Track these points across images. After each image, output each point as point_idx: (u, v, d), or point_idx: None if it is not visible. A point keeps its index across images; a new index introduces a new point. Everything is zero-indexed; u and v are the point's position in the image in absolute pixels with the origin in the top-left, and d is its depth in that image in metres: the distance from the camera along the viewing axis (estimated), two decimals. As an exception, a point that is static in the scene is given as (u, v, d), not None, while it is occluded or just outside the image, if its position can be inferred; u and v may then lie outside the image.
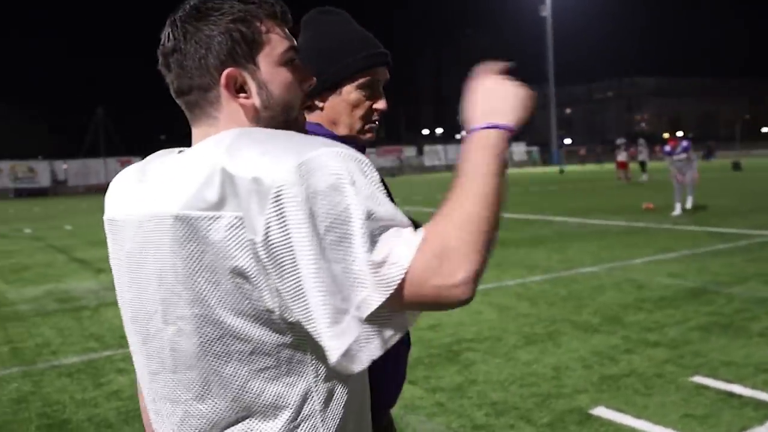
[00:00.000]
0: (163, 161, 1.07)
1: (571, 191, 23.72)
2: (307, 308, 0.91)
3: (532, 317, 5.93)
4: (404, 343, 1.58)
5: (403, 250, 0.91)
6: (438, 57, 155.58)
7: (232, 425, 1.01)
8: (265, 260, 0.91)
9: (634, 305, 6.19)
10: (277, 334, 0.97)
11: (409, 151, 62.00)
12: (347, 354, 0.91)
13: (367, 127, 1.52)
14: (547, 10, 63.72)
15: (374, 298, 0.90)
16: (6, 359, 5.44)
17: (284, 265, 0.91)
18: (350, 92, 1.48)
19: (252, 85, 1.09)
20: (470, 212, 0.95)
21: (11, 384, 4.78)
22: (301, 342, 0.98)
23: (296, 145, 0.95)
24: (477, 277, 0.93)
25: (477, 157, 1.00)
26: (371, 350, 0.93)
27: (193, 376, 1.01)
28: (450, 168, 60.13)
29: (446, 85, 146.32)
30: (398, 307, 0.94)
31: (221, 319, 0.97)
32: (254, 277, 0.93)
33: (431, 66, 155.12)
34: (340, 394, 1.04)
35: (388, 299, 0.91)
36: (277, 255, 0.91)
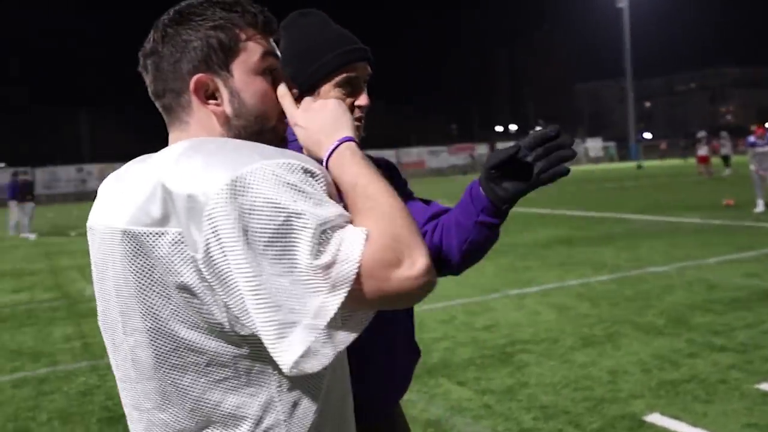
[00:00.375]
0: (131, 169, 1.08)
1: (647, 187, 22.86)
2: (253, 324, 0.90)
3: (593, 318, 5.75)
4: (387, 349, 1.54)
5: (351, 246, 0.89)
6: (513, 53, 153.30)
7: (200, 427, 1.01)
8: (209, 277, 0.91)
9: (703, 306, 5.90)
10: (233, 346, 0.96)
11: (482, 149, 61.35)
12: (300, 362, 0.90)
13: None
14: (623, 2, 61.66)
15: (331, 302, 0.88)
16: (78, 353, 5.71)
17: (227, 283, 0.90)
18: (328, 91, 1.46)
19: (224, 93, 1.09)
20: (393, 205, 0.96)
21: (79, 377, 5.02)
22: (260, 353, 0.96)
23: (235, 159, 0.93)
24: (431, 261, 0.92)
25: (357, 167, 1.03)
26: (326, 354, 0.92)
27: (153, 387, 1.02)
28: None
29: (522, 80, 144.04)
30: (360, 305, 0.92)
31: (174, 332, 0.97)
32: (200, 292, 0.93)
33: (506, 62, 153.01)
34: (309, 404, 1.02)
35: (347, 299, 0.89)
36: (220, 272, 0.90)
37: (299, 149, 1.19)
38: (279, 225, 0.88)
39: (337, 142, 1.07)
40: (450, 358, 4.86)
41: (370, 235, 0.91)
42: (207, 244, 0.89)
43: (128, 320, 1.01)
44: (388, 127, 65.27)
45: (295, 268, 0.88)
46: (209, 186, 0.90)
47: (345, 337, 0.93)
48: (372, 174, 1.01)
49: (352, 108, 1.48)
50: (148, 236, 0.95)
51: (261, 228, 0.88)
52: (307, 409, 1.02)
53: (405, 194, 1.68)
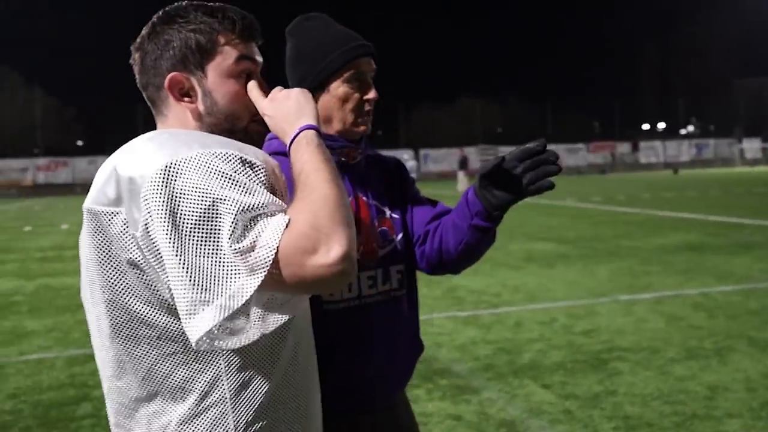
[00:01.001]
0: (112, 155, 1.19)
1: (806, 194, 20.79)
2: (173, 301, 0.99)
3: (704, 330, 5.38)
4: (389, 343, 1.58)
5: (271, 233, 0.95)
6: (664, 46, 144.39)
7: (145, 402, 1.10)
8: (148, 255, 1.01)
9: (837, 327, 5.34)
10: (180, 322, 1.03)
11: (624, 147, 58.48)
12: (214, 339, 0.97)
13: (359, 119, 1.54)
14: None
15: (249, 284, 0.94)
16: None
17: (161, 261, 0.99)
18: (337, 87, 1.52)
19: (198, 91, 1.18)
20: (325, 194, 1.00)
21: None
22: None
23: (176, 148, 1.02)
24: (351, 250, 0.96)
25: (308, 155, 1.09)
26: (248, 334, 0.99)
27: (111, 355, 1.11)
28: (668, 166, 55.74)
29: (673, 76, 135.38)
30: (280, 289, 0.98)
31: (128, 305, 1.06)
32: (147, 269, 1.03)
33: (656, 56, 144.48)
34: (258, 387, 1.08)
35: (265, 282, 0.94)
36: (156, 250, 0.99)
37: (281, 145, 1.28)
38: (205, 210, 0.96)
39: (297, 130, 1.13)
40: (540, 361, 4.76)
41: (291, 223, 0.96)
42: (145, 223, 0.99)
43: (93, 292, 1.12)
44: (524, 124, 63.87)
45: (218, 250, 0.95)
46: (147, 170, 0.99)
47: (273, 320, 0.99)
48: (319, 163, 1.06)
49: (361, 102, 1.53)
50: (104, 215, 1.05)
51: (188, 211, 0.96)
52: (256, 391, 1.09)
53: (412, 194, 1.72)
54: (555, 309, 6.31)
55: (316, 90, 1.52)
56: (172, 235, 0.96)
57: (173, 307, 1.03)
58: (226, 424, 1.07)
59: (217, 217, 0.96)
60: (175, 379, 1.07)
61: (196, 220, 0.96)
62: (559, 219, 14.80)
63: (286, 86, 1.32)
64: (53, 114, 54.84)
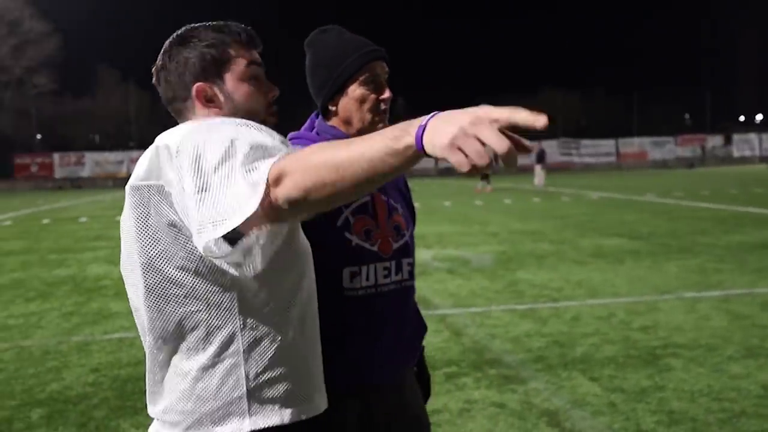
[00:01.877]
0: None
1: None
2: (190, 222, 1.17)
3: (769, 330, 5.24)
4: (396, 320, 1.73)
5: (265, 164, 1.10)
6: (764, 33, 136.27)
7: (172, 353, 1.32)
8: (179, 206, 1.21)
9: None
10: (207, 282, 1.26)
11: (715, 140, 55.81)
12: (218, 248, 1.12)
13: (377, 117, 1.70)
14: None
15: (251, 204, 1.07)
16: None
17: (187, 201, 1.16)
18: (355, 90, 1.68)
19: (220, 96, 1.41)
20: (332, 162, 1.03)
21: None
22: (227, 290, 1.26)
23: (206, 120, 1.27)
24: (296, 202, 1.07)
25: (378, 140, 1.03)
26: (251, 256, 1.16)
27: (145, 313, 1.32)
28: (764, 160, 52.83)
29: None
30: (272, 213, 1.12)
31: (160, 268, 1.27)
32: (182, 227, 1.23)
33: (754, 44, 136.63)
34: (267, 345, 1.31)
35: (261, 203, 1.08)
36: (186, 194, 1.16)
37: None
38: (225, 150, 1.13)
39: (418, 138, 1.02)
40: (592, 354, 4.79)
41: (282, 157, 1.11)
42: (180, 178, 1.17)
43: (131, 260, 1.33)
44: (609, 116, 61.97)
45: (234, 178, 1.10)
46: (180, 137, 1.21)
47: (270, 246, 1.17)
48: (367, 154, 1.02)
49: (377, 102, 1.69)
50: (145, 189, 1.26)
51: (211, 155, 1.14)
52: (266, 349, 1.31)
53: (413, 215, 1.90)
54: (615, 304, 6.27)
55: (335, 94, 1.69)
56: (198, 174, 1.14)
57: (200, 269, 1.25)
58: (238, 372, 1.29)
59: (234, 153, 1.13)
60: (198, 333, 1.28)
61: (218, 160, 1.12)
62: (636, 214, 14.44)
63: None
64: (146, 109, 57.53)
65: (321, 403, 1.44)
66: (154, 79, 1.45)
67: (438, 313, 6.10)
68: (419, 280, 7.66)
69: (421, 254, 9.69)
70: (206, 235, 1.10)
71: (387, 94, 1.70)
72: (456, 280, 7.73)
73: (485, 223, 13.74)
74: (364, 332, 1.68)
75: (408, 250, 1.77)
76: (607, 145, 52.67)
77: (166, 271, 1.27)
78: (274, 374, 1.32)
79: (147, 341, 1.36)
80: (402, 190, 1.88)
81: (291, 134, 1.79)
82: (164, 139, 1.25)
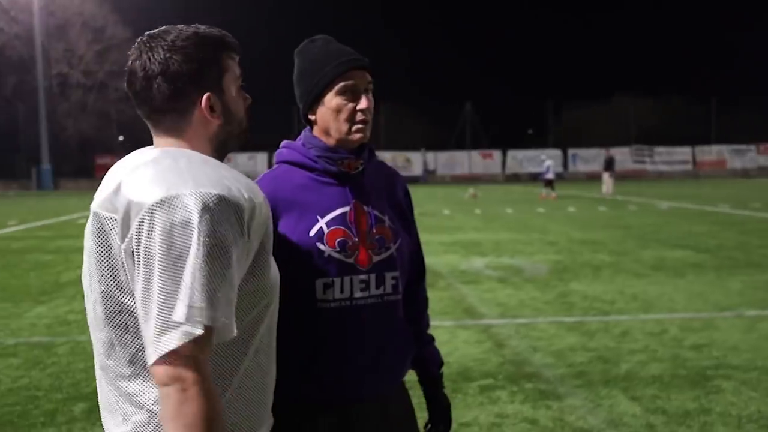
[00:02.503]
0: (121, 162, 1.37)
1: None
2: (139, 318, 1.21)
3: (834, 354, 4.91)
4: (377, 341, 1.69)
5: (176, 341, 1.14)
6: None
7: (128, 381, 1.28)
8: (130, 267, 1.21)
9: None
10: None
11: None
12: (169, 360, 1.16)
13: (353, 128, 1.65)
14: None
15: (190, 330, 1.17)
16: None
17: (135, 278, 1.20)
18: (331, 99, 1.64)
19: (219, 105, 1.36)
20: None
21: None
22: None
23: (174, 179, 1.20)
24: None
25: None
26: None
27: (104, 336, 1.29)
28: None
29: None
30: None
31: (119, 298, 1.25)
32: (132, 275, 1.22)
33: None
34: (223, 376, 1.27)
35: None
36: (133, 268, 1.19)
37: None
38: (178, 255, 1.15)
39: None
40: (637, 372, 4.60)
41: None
42: (136, 241, 1.18)
43: (92, 281, 1.30)
44: (685, 123, 59.73)
45: (178, 290, 1.15)
46: (143, 198, 1.18)
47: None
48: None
49: (353, 112, 1.65)
50: (107, 220, 1.24)
51: (162, 248, 1.15)
52: (220, 382, 1.27)
53: (409, 223, 1.85)
54: (669, 320, 6.01)
55: (314, 103, 1.67)
56: (149, 261, 1.15)
57: None
58: None
59: (181, 264, 1.15)
60: None
61: (165, 256, 1.15)
62: (705, 226, 13.83)
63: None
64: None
65: None
66: (127, 83, 1.35)
67: (482, 323, 5.99)
68: (469, 288, 7.60)
69: (475, 262, 9.59)
70: (150, 355, 1.16)
71: (364, 103, 1.64)
72: (506, 289, 7.59)
73: (545, 232, 13.45)
74: (338, 346, 1.64)
75: (393, 263, 1.71)
76: (683, 152, 50.70)
77: (125, 302, 1.25)
78: (228, 408, 1.29)
79: (102, 361, 1.33)
80: (399, 200, 1.83)
81: (283, 143, 1.78)
82: (128, 187, 1.22)
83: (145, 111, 1.37)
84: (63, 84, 55.34)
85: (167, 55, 1.31)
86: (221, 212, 1.19)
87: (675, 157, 50.74)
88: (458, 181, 46.56)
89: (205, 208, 1.17)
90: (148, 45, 1.33)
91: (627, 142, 51.08)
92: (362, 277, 1.65)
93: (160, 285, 1.15)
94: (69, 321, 6.46)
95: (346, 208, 1.66)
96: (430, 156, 51.40)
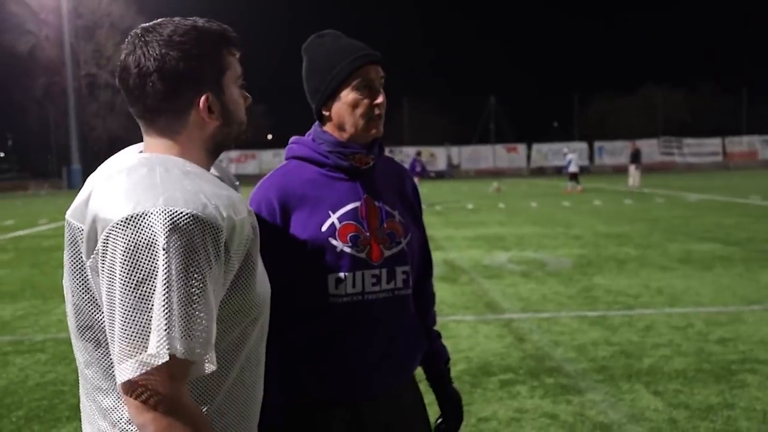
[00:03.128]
0: (102, 165, 1.27)
1: None
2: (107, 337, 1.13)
3: None
4: (387, 335, 1.68)
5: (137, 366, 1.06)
6: None
7: (104, 394, 1.21)
8: (94, 277, 1.15)
9: None
10: None
11: (836, 138, 51.44)
12: (133, 388, 1.09)
13: (369, 123, 1.65)
14: None
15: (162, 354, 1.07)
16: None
17: (101, 295, 1.13)
18: (347, 95, 1.64)
19: (218, 106, 1.27)
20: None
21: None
22: None
23: (145, 193, 1.11)
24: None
25: None
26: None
27: (81, 346, 1.23)
28: None
29: None
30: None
31: (90, 312, 1.18)
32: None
33: None
34: (204, 397, 1.20)
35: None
36: (98, 284, 1.13)
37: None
38: (143, 277, 1.07)
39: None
40: (660, 366, 4.54)
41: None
42: (101, 257, 1.11)
43: (66, 291, 1.24)
44: (715, 114, 58.64)
45: (146, 312, 1.07)
46: (110, 214, 1.10)
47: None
48: None
49: (370, 108, 1.65)
50: (78, 230, 1.17)
51: (129, 269, 1.07)
52: (201, 401, 1.20)
53: (418, 218, 1.84)
54: (695, 314, 5.91)
55: (329, 99, 1.66)
56: (112, 282, 1.08)
57: None
58: None
59: (144, 288, 1.06)
60: None
61: (126, 279, 1.07)
62: (735, 218, 13.57)
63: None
64: (252, 112, 59.55)
65: None
66: (119, 79, 1.26)
67: (504, 318, 5.96)
68: (491, 282, 7.56)
69: (498, 257, 9.53)
70: (117, 378, 1.08)
71: (380, 99, 1.65)
72: (529, 283, 7.54)
73: (569, 225, 13.31)
74: (351, 340, 1.64)
75: (404, 258, 1.71)
76: (713, 144, 49.77)
77: (95, 317, 1.18)
78: (225, 407, 1.24)
79: (82, 371, 1.27)
80: (408, 196, 1.82)
81: (293, 138, 1.79)
82: (96, 200, 1.14)
83: (137, 110, 1.26)
84: (92, 85, 56.21)
85: (163, 50, 1.21)
86: (192, 233, 1.09)
87: (704, 148, 49.86)
88: (482, 176, 46.26)
89: (174, 229, 1.07)
90: (143, 39, 1.23)
91: (654, 134, 50.34)
92: (374, 271, 1.65)
93: (120, 309, 1.07)
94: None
95: (358, 203, 1.66)
96: (454, 150, 51.19)
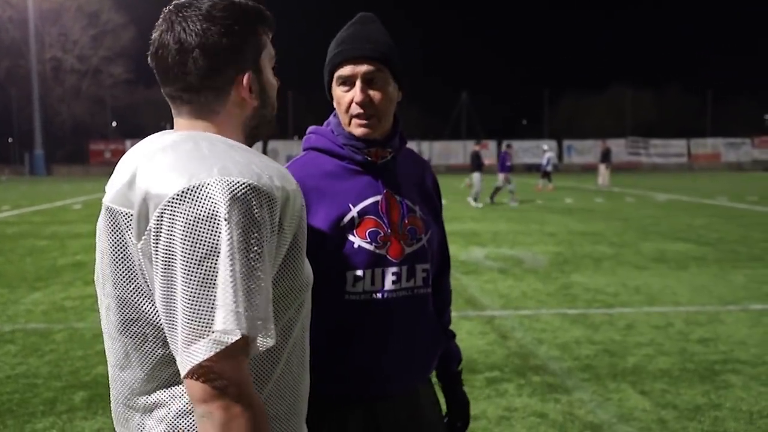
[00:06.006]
0: (134, 149, 1.19)
1: None
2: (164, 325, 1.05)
3: (842, 349, 4.87)
4: (406, 333, 1.62)
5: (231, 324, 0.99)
6: None
7: (146, 394, 1.13)
8: (149, 267, 1.06)
9: None
10: None
11: (796, 143, 52.86)
12: (202, 371, 1.02)
13: (352, 120, 1.57)
14: None
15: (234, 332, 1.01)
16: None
17: (153, 276, 1.05)
18: (334, 90, 1.59)
19: (256, 86, 1.21)
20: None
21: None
22: None
23: (196, 166, 1.05)
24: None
25: None
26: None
27: (119, 346, 1.15)
28: None
29: None
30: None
31: (137, 304, 1.09)
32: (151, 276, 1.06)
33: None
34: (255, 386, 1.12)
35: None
36: (155, 266, 1.04)
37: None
38: (205, 253, 1.00)
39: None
40: (644, 366, 4.55)
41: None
42: (155, 238, 1.03)
43: (105, 284, 1.16)
44: (681, 115, 59.72)
45: (212, 288, 1.00)
46: (163, 189, 1.03)
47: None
48: None
49: (349, 104, 1.56)
50: (122, 216, 1.08)
51: (190, 247, 1.00)
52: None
53: (438, 214, 1.77)
54: (674, 314, 5.96)
55: (329, 91, 1.62)
56: (171, 261, 1.01)
57: None
58: None
59: (209, 263, 1.00)
60: (178, 377, 1.10)
61: (189, 255, 1.00)
62: (705, 219, 13.80)
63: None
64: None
65: None
66: (154, 57, 1.18)
67: (485, 314, 5.94)
68: (469, 278, 7.55)
69: (474, 252, 9.53)
70: (181, 366, 1.01)
71: (358, 96, 1.54)
72: (507, 280, 7.54)
73: (543, 223, 13.40)
74: (369, 339, 1.58)
75: (425, 255, 1.64)
76: (678, 145, 50.76)
77: (143, 308, 1.10)
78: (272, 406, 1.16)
79: (115, 374, 1.19)
80: (428, 190, 1.75)
81: (311, 128, 1.70)
82: (144, 177, 1.07)
83: (175, 89, 1.18)
84: (57, 69, 54.95)
85: (204, 25, 1.14)
86: (251, 203, 1.03)
87: (670, 149, 50.83)
88: (454, 171, 46.44)
89: (234, 199, 1.02)
90: (180, 14, 1.15)
91: (622, 134, 51.13)
92: (394, 269, 1.58)
93: (184, 288, 1.00)
94: (66, 307, 6.36)
95: (378, 198, 1.59)
96: (425, 146, 51.28)
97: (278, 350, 1.16)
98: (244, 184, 1.04)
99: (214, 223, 1.01)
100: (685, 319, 5.78)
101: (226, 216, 1.01)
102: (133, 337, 1.12)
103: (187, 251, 1.00)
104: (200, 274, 1.00)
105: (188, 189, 1.02)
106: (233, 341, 0.99)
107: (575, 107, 64.56)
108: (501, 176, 18.58)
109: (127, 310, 1.12)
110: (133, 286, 1.10)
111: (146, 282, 1.08)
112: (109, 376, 1.22)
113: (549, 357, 4.76)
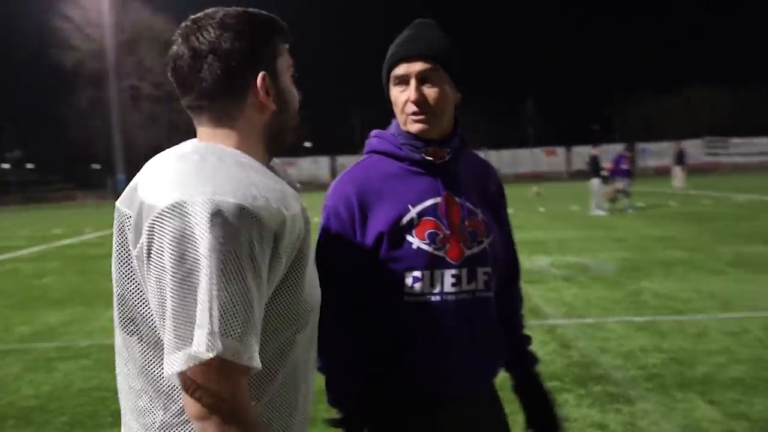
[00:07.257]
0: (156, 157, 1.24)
1: None
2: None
3: None
4: (465, 342, 1.59)
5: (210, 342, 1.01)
6: None
7: (137, 396, 1.16)
8: (140, 266, 1.10)
9: None
10: None
11: None
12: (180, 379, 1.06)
13: (408, 119, 1.59)
14: None
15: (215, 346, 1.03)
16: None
17: (148, 284, 1.08)
18: (391, 91, 1.62)
19: (273, 91, 1.23)
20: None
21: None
22: None
23: (194, 181, 1.07)
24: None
25: None
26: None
27: (119, 342, 1.20)
28: None
29: None
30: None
31: (134, 304, 1.13)
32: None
33: None
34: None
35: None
36: (145, 274, 1.08)
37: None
38: (189, 268, 1.02)
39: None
40: (715, 375, 4.34)
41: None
42: (147, 248, 1.07)
43: (114, 281, 1.20)
44: (763, 113, 56.89)
45: (194, 304, 1.02)
46: (157, 201, 1.06)
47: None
48: None
49: (405, 104, 1.59)
50: (125, 218, 1.13)
51: (175, 258, 1.02)
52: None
53: (502, 219, 1.77)
54: (751, 319, 5.66)
55: (388, 93, 1.65)
56: (162, 272, 1.04)
57: None
58: None
59: (194, 279, 1.02)
60: (164, 383, 1.12)
61: (176, 268, 1.02)
62: (788, 219, 13.08)
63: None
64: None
65: None
66: (171, 69, 1.21)
67: (547, 324, 5.81)
68: (533, 287, 7.41)
69: (539, 261, 9.34)
70: (171, 364, 1.02)
71: (408, 95, 1.57)
72: (572, 288, 7.35)
73: (612, 228, 13.00)
74: (428, 341, 1.57)
75: (486, 258, 1.62)
76: (762, 143, 48.33)
77: (139, 309, 1.13)
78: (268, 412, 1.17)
79: (120, 368, 1.23)
80: (492, 194, 1.74)
81: (374, 132, 1.72)
82: (145, 187, 1.11)
83: (192, 97, 1.20)
84: (134, 97, 57.50)
85: (217, 32, 1.17)
86: (237, 224, 1.03)
87: (752, 148, 48.42)
88: (522, 180, 45.77)
89: (216, 217, 1.02)
90: (195, 26, 1.19)
91: (698, 134, 49.13)
92: (453, 271, 1.57)
93: (171, 300, 1.02)
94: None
95: (438, 199, 1.59)
96: (493, 155, 50.76)
97: (271, 371, 1.16)
98: (233, 204, 1.04)
99: (195, 241, 1.02)
100: (763, 325, 5.47)
101: (207, 235, 1.01)
102: (130, 335, 1.16)
103: (175, 266, 1.02)
104: (184, 289, 1.02)
105: (176, 204, 1.04)
106: (207, 359, 1.00)
107: (648, 110, 62.58)
108: (623, 182, 17.47)
109: (126, 308, 1.15)
110: (132, 286, 1.14)
111: (143, 284, 1.11)
112: (117, 371, 1.25)
113: (612, 366, 4.61)
